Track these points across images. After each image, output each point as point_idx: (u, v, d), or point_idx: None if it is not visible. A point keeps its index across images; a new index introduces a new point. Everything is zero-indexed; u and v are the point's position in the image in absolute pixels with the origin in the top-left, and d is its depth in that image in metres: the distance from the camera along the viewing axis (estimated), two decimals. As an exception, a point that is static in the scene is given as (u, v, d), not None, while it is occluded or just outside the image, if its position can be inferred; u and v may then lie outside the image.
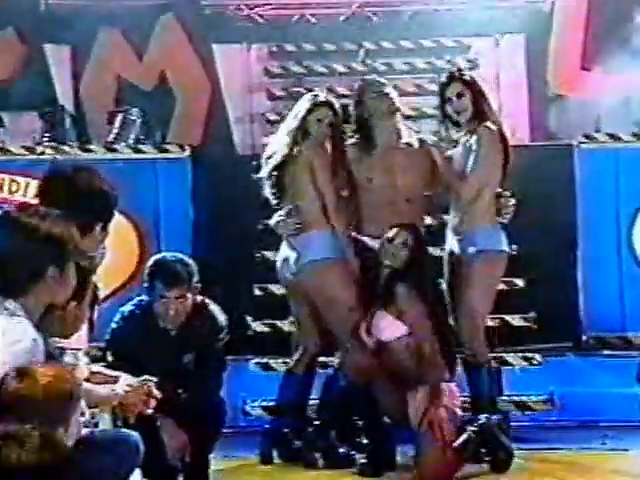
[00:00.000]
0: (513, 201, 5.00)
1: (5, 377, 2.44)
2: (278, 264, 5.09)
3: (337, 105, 5.04)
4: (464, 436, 4.49)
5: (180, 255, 4.39)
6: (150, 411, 3.42)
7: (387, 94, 5.07)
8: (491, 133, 4.92)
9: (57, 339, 2.95)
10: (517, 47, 7.26)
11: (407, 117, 5.95)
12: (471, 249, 4.89)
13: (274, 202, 5.06)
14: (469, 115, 4.95)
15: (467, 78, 5.02)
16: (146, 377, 3.44)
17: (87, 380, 3.27)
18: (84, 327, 3.16)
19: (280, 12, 7.61)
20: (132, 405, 3.37)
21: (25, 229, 2.65)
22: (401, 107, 5.15)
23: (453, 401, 4.59)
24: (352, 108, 5.12)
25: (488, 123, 4.95)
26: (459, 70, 5.12)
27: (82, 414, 3.16)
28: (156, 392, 3.42)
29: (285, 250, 5.04)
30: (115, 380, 3.45)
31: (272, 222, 5.05)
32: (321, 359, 5.24)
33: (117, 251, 4.68)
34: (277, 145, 5.03)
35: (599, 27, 7.19)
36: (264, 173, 5.06)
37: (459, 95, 4.95)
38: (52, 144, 6.87)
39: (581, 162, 6.20)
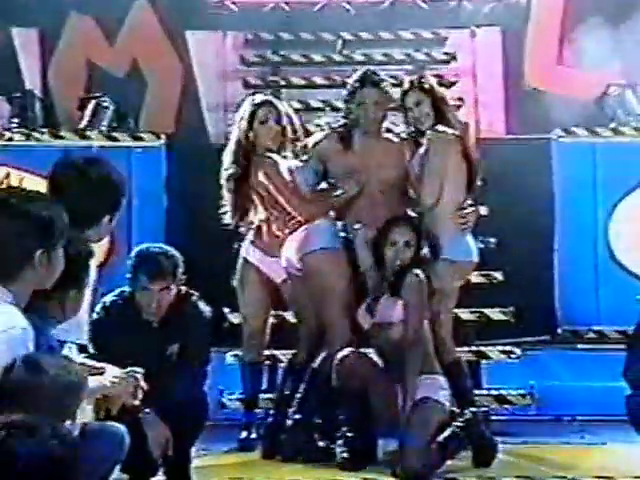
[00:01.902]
0: (472, 209, 4.93)
1: (11, 367, 2.37)
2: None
3: (277, 102, 5.12)
4: (448, 431, 4.48)
5: (165, 246, 4.32)
6: (137, 402, 3.36)
7: (380, 87, 5.02)
8: (439, 138, 4.86)
9: (57, 332, 2.88)
10: (494, 40, 7.26)
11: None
12: (441, 257, 4.86)
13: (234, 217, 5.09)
14: (430, 122, 4.92)
15: (426, 86, 4.99)
16: (133, 368, 3.37)
17: None
18: (85, 320, 3.09)
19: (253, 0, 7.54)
20: (118, 397, 3.31)
21: (13, 212, 2.57)
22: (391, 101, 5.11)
23: (441, 394, 4.58)
24: (345, 97, 5.08)
25: (439, 127, 4.89)
26: (417, 79, 5.08)
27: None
28: (143, 383, 3.36)
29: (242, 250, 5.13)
30: (101, 372, 3.39)
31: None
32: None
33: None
34: (227, 163, 5.11)
35: (576, 22, 7.21)
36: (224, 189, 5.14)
37: (417, 103, 4.94)
38: (21, 130, 6.76)
39: (559, 156, 6.22)
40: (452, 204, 4.89)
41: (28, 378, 2.33)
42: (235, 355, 5.56)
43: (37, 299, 2.68)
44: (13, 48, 7.70)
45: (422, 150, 4.94)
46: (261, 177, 4.99)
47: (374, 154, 5.01)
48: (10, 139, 6.72)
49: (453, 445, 4.47)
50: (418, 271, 4.65)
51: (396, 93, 5.37)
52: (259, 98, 5.18)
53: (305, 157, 5.04)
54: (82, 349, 4.08)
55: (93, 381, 3.28)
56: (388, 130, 5.10)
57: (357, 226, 4.92)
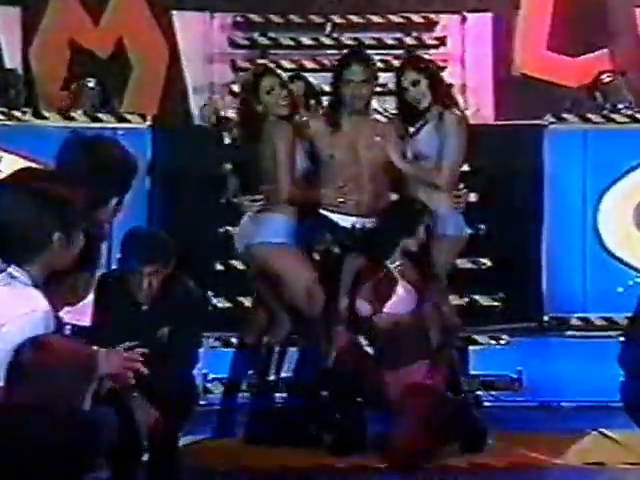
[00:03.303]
0: (465, 191, 5.03)
1: (21, 348, 2.32)
2: (236, 234, 5.04)
3: (275, 69, 5.01)
4: (438, 416, 4.45)
5: (156, 229, 4.27)
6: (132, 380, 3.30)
7: (367, 64, 4.98)
8: (458, 119, 4.90)
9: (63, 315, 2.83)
10: (484, 25, 7.22)
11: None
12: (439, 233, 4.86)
13: (238, 185, 4.98)
14: (428, 102, 4.89)
15: (421, 65, 4.95)
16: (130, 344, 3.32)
17: None
18: (90, 303, 3.04)
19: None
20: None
21: (31, 194, 2.53)
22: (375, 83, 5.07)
23: (436, 379, 4.55)
24: (332, 76, 5.04)
25: (454, 109, 4.91)
26: (413, 57, 5.05)
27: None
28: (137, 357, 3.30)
29: (245, 222, 4.98)
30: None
31: (240, 201, 4.98)
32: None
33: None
34: (235, 128, 5.03)
35: (567, 8, 7.18)
36: (228, 161, 5.02)
37: (414, 83, 4.89)
38: (3, 109, 6.65)
39: (549, 143, 6.19)
40: (453, 183, 4.89)
41: (37, 359, 2.28)
42: (219, 339, 5.52)
43: (49, 281, 2.64)
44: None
45: (426, 130, 4.89)
46: (276, 146, 4.83)
47: (362, 134, 4.97)
48: (-7, 119, 6.61)
49: (443, 430, 4.45)
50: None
51: (385, 78, 5.35)
52: (259, 69, 5.06)
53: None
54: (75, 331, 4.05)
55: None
56: (376, 111, 5.07)
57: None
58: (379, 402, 4.63)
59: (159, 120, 6.74)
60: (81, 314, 3.03)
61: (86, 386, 2.35)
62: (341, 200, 4.94)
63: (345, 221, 4.97)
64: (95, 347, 3.30)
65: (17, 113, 6.58)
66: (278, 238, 4.83)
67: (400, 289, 4.67)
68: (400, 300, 4.65)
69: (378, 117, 5.06)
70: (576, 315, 6.11)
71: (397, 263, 4.72)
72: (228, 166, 5.11)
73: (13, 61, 7.49)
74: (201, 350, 4.33)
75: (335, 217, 4.99)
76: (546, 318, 6.11)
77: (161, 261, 4.13)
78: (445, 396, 4.58)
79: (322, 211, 5.01)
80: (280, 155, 4.81)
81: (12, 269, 2.55)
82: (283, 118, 4.90)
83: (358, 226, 4.94)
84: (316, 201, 4.94)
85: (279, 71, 5.04)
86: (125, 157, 3.10)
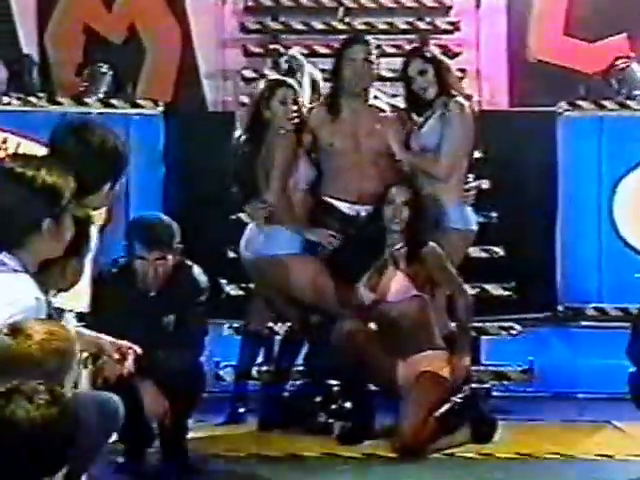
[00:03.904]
0: (475, 184, 5.01)
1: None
2: (242, 244, 5.01)
3: (293, 83, 5.03)
4: (447, 405, 4.43)
5: (161, 215, 4.25)
6: (131, 371, 3.30)
7: (368, 45, 4.94)
8: (461, 109, 4.84)
9: (56, 300, 2.82)
10: (498, 9, 7.12)
11: (385, 79, 5.84)
12: (448, 226, 4.82)
13: (242, 195, 4.95)
14: (435, 91, 4.84)
15: (428, 54, 4.92)
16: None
17: None
18: (86, 289, 3.03)
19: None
20: (114, 365, 3.25)
21: (20, 180, 2.52)
22: (376, 69, 5.03)
23: (443, 367, 4.52)
24: (334, 60, 5.03)
25: (459, 98, 4.85)
26: (419, 47, 5.03)
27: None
28: (138, 350, 3.30)
29: (251, 232, 4.98)
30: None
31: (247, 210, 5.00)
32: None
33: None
34: (242, 137, 5.00)
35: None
36: (230, 169, 5.02)
37: (421, 72, 4.85)
38: (19, 95, 6.65)
39: (564, 130, 6.11)
40: (460, 175, 4.82)
41: (13, 344, 2.26)
42: (231, 327, 5.50)
43: (39, 267, 2.62)
44: (10, 12, 7.57)
45: (431, 122, 4.85)
46: (275, 154, 4.87)
47: (363, 121, 4.96)
48: (8, 103, 6.62)
49: (451, 419, 4.43)
50: (434, 244, 4.61)
51: (398, 63, 5.29)
52: (280, 79, 5.11)
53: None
54: (81, 318, 4.04)
55: (92, 334, 3.24)
56: (377, 98, 5.04)
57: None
58: (388, 388, 4.61)
59: (171, 106, 6.72)
60: (77, 300, 3.01)
61: (62, 370, 2.32)
62: (344, 188, 4.92)
63: (349, 209, 4.95)
64: (104, 336, 3.33)
65: (32, 99, 6.58)
66: (287, 249, 4.83)
67: (401, 277, 4.64)
68: (401, 288, 4.61)
69: (379, 105, 5.02)
70: (591, 305, 6.05)
71: (398, 251, 4.68)
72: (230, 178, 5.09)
73: (29, 47, 7.49)
74: (207, 337, 4.29)
75: (339, 205, 4.97)
76: (560, 308, 6.05)
77: (166, 246, 4.12)
78: (452, 385, 4.54)
79: (326, 198, 4.99)
80: (277, 165, 4.84)
81: (2, 256, 2.54)
82: (287, 131, 4.91)
83: (363, 214, 4.92)
84: (297, 221, 4.91)
85: (296, 86, 5.05)
86: (116, 143, 3.08)
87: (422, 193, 4.81)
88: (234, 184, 5.06)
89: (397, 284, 4.63)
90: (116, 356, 3.23)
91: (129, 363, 3.27)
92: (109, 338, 3.30)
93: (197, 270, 4.28)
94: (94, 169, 2.93)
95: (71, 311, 3.07)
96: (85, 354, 3.39)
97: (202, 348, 4.27)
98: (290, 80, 5.10)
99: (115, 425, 3.18)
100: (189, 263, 4.27)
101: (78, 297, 3.04)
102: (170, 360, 4.06)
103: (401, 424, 4.49)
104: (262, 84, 5.09)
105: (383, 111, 5.01)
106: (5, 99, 6.55)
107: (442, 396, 4.47)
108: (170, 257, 4.16)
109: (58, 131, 3.10)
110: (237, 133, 5.10)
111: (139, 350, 3.28)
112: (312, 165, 5.00)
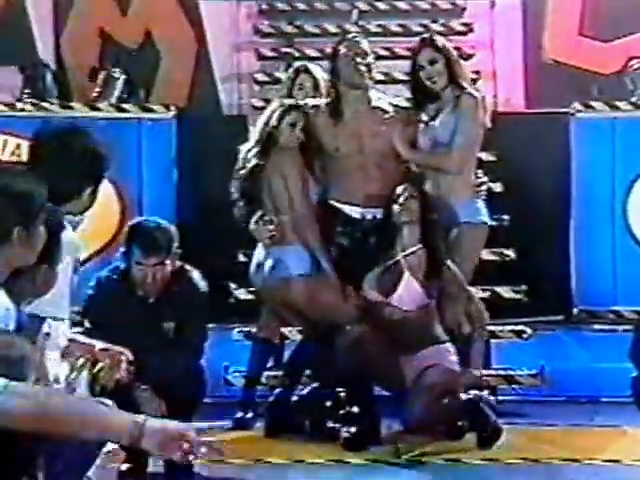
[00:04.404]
0: (485, 179, 4.92)
1: None
2: (252, 268, 4.97)
3: (306, 106, 4.94)
4: (452, 395, 4.40)
5: (159, 220, 4.22)
6: (126, 377, 3.29)
7: (360, 56, 4.88)
8: (474, 101, 4.77)
9: (33, 308, 2.81)
10: (513, 10, 7.07)
11: (398, 81, 5.80)
12: (454, 220, 4.78)
13: (247, 214, 4.91)
14: (444, 82, 4.79)
15: (439, 44, 4.85)
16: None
17: (65, 347, 3.14)
18: (66, 295, 3.01)
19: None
20: (110, 369, 3.25)
21: None
22: (374, 70, 4.98)
23: (451, 360, 4.49)
24: (327, 69, 4.97)
25: (470, 90, 4.79)
26: (431, 36, 4.95)
27: (57, 381, 3.03)
28: (130, 357, 3.29)
29: (260, 256, 4.92)
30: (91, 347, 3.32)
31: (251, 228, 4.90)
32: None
33: (97, 213, 4.54)
34: (248, 154, 4.92)
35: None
36: (235, 187, 4.94)
37: (432, 62, 4.79)
38: (32, 100, 6.70)
39: (577, 131, 6.04)
40: (471, 169, 4.79)
41: None
42: (241, 331, 5.48)
43: (9, 275, 2.60)
44: (27, 18, 7.63)
45: (443, 116, 4.79)
46: (279, 175, 4.83)
47: (366, 123, 4.88)
48: (22, 109, 6.67)
49: (458, 411, 4.40)
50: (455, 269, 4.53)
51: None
52: (294, 102, 4.98)
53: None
54: (77, 326, 4.05)
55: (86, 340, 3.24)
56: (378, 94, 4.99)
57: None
58: (399, 392, 4.58)
59: (184, 110, 6.73)
60: (57, 307, 3.00)
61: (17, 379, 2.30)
62: (349, 191, 4.88)
63: (355, 212, 4.91)
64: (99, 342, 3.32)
65: (45, 104, 6.62)
66: (297, 271, 4.78)
67: (406, 280, 4.60)
68: (406, 291, 4.58)
69: (382, 106, 4.95)
70: (606, 308, 5.97)
71: (405, 253, 4.65)
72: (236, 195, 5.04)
73: (45, 52, 7.55)
74: (206, 344, 4.28)
75: (345, 208, 4.93)
76: (575, 311, 5.98)
77: (164, 251, 4.09)
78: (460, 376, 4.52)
79: (332, 202, 4.95)
80: (291, 183, 4.78)
81: None
82: (292, 149, 4.86)
83: (368, 217, 4.87)
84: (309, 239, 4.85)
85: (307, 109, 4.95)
86: (97, 147, 3.07)
87: (430, 194, 4.76)
88: (239, 199, 4.99)
89: (410, 291, 4.59)
90: (107, 362, 3.21)
91: (123, 368, 3.26)
92: (101, 344, 3.29)
93: (197, 275, 4.25)
94: (75, 173, 2.92)
95: (56, 319, 3.05)
96: (81, 360, 3.38)
97: (202, 354, 4.25)
98: (306, 107, 4.96)
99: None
100: (188, 268, 4.25)
101: (57, 304, 3.02)
102: (170, 366, 4.05)
103: (408, 406, 4.44)
104: (275, 104, 5.00)
105: (386, 112, 4.94)
106: (19, 105, 6.60)
107: (450, 386, 4.43)
108: (169, 262, 4.13)
109: (41, 134, 3.10)
110: (246, 146, 5.03)
111: (130, 355, 3.27)
112: (319, 179, 4.94)
